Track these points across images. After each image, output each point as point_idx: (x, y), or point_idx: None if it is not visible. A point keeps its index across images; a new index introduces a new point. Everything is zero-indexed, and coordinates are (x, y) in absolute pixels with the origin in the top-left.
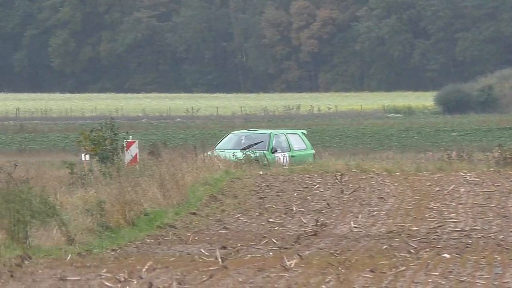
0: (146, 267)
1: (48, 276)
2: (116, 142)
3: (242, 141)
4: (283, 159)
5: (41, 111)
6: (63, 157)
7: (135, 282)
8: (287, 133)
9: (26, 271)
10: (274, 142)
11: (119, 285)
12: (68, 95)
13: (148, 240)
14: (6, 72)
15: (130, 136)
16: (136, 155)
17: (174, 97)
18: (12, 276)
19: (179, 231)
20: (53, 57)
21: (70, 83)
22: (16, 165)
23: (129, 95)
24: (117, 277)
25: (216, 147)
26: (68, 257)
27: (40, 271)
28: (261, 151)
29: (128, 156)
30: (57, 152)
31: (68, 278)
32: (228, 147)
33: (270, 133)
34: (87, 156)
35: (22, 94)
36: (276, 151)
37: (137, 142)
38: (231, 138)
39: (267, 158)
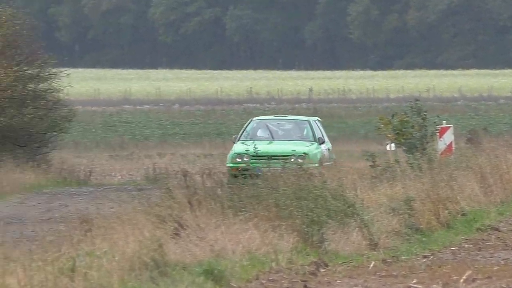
0: (464, 277)
1: (348, 287)
2: (425, 128)
3: (275, 131)
4: (328, 154)
5: (338, 92)
6: (364, 146)
7: None
8: (312, 120)
9: (321, 281)
10: (316, 130)
11: None
12: (370, 72)
13: (466, 245)
14: (297, 46)
15: (444, 121)
16: (451, 143)
17: (497, 74)
18: (305, 286)
19: (504, 235)
20: (352, 27)
21: (372, 58)
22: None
23: (442, 72)
24: None
25: (239, 140)
26: (371, 265)
27: (338, 281)
28: (306, 143)
29: (441, 144)
30: (357, 140)
31: None
32: (256, 139)
33: (309, 119)
34: (393, 145)
35: (316, 72)
36: (323, 142)
37: (452, 128)
38: (254, 127)
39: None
